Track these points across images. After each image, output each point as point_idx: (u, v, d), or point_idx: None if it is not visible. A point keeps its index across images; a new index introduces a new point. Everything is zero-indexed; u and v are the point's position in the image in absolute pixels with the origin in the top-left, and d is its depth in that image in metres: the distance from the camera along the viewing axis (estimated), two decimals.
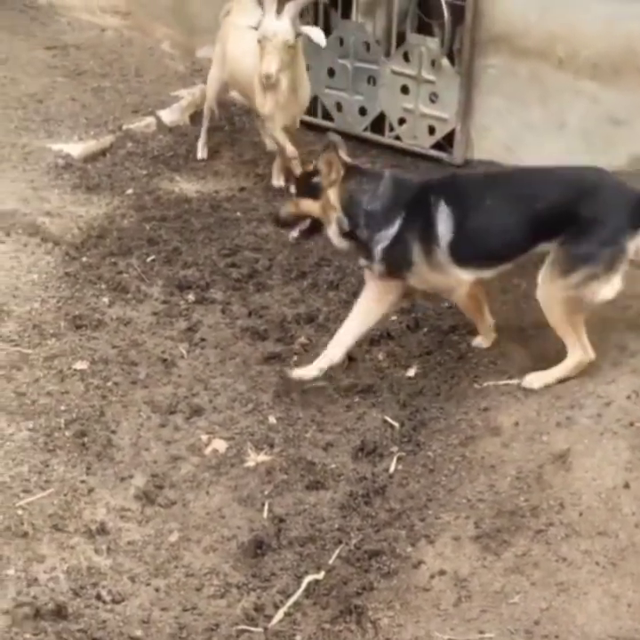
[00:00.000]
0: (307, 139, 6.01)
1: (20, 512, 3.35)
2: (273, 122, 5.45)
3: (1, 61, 6.44)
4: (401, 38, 6.07)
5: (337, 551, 3.27)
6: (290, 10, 5.08)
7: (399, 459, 3.67)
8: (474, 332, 4.36)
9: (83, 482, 3.54)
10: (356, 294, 4.69)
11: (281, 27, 5.04)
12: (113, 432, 3.80)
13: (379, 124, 6.28)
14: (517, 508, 3.21)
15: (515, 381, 3.88)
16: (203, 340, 4.42)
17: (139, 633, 3.00)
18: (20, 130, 6.06)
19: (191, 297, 4.70)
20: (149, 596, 3.14)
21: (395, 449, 3.73)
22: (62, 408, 3.87)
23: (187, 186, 5.71)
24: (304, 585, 3.15)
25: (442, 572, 3.05)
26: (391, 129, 6.25)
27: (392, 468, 3.63)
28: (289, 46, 5.07)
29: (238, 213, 5.51)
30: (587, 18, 5.30)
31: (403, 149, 6.18)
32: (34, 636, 2.90)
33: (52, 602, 3.01)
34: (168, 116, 6.27)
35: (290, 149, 5.46)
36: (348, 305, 4.64)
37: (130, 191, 5.65)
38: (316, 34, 5.22)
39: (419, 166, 5.99)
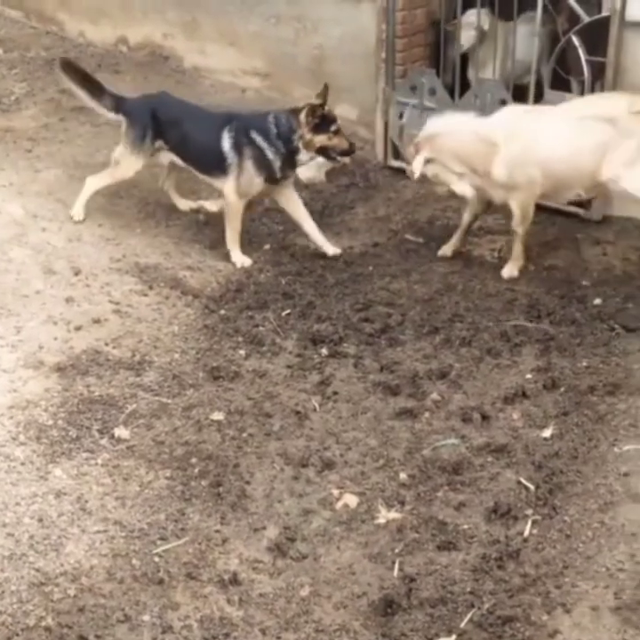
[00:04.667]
0: None
1: (156, 559, 3.45)
2: None
3: None
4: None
5: (469, 615, 3.20)
6: None
7: (534, 522, 3.58)
8: (613, 392, 4.24)
9: (217, 531, 3.60)
10: (489, 351, 4.67)
11: None
12: (247, 483, 3.86)
13: None
14: None
15: None
16: (335, 393, 4.45)
17: None
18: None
19: (324, 351, 4.76)
20: None
21: (529, 512, 3.64)
22: (199, 458, 3.97)
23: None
24: None
25: None
26: None
27: (527, 532, 3.54)
28: None
29: (371, 268, 5.57)
30: None
31: (539, 205, 6.10)
32: None
33: None
34: (305, 172, 6.39)
35: None
36: (480, 361, 4.62)
37: (267, 246, 5.81)
38: None
39: (557, 222, 5.93)
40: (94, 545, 3.50)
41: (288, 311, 5.09)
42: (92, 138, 6.97)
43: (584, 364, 4.54)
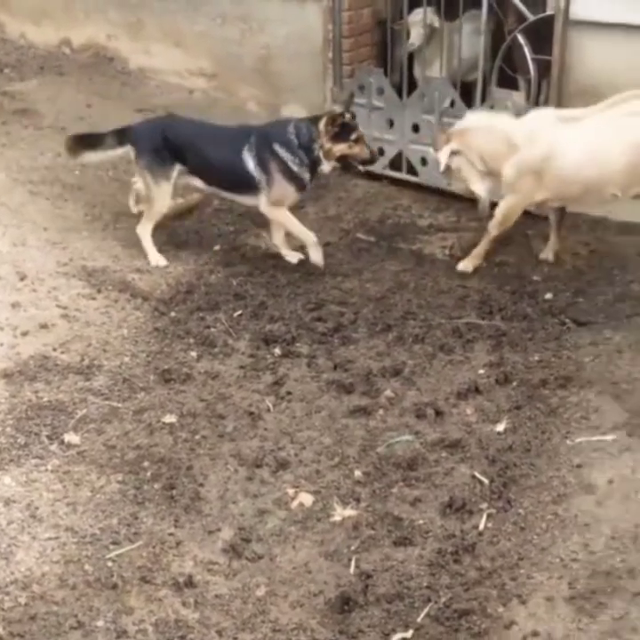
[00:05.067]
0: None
1: (109, 564, 3.39)
2: None
3: (94, 125, 6.65)
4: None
5: (426, 609, 3.20)
6: None
7: (489, 516, 3.59)
8: (565, 385, 4.28)
9: (171, 534, 3.55)
10: (442, 348, 4.68)
11: None
12: (201, 485, 3.82)
13: None
14: (613, 568, 3.11)
15: (608, 437, 3.78)
16: (289, 393, 4.43)
17: None
18: (111, 189, 6.28)
19: (277, 351, 4.73)
20: None
21: (484, 506, 3.65)
22: (151, 461, 3.92)
23: (272, 242, 5.78)
24: None
25: (535, 634, 2.96)
26: None
27: (482, 526, 3.55)
28: None
29: (322, 268, 5.55)
30: None
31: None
32: None
33: None
34: None
35: None
36: (433, 358, 4.63)
37: (217, 247, 5.77)
38: None
39: None
40: (45, 552, 3.43)
41: (240, 312, 5.05)
42: (34, 141, 6.89)
43: (536, 358, 4.57)
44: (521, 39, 5.95)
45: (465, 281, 5.35)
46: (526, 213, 5.58)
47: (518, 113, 5.55)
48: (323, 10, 6.58)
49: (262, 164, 5.31)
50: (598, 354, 4.47)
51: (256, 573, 3.42)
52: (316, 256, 5.45)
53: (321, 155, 5.31)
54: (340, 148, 5.32)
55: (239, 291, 5.25)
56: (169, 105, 7.36)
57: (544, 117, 5.14)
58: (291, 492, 3.80)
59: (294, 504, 3.74)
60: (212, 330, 4.88)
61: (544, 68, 5.89)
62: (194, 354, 4.69)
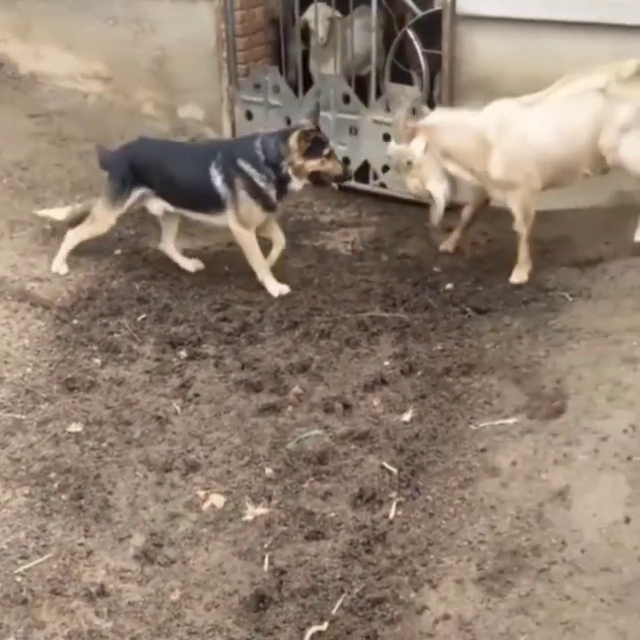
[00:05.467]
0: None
1: (18, 579, 3.32)
2: None
3: None
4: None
5: (340, 601, 3.23)
6: None
7: (398, 504, 3.64)
8: (468, 372, 4.37)
9: (81, 545, 3.51)
10: (348, 342, 4.73)
11: None
12: (109, 493, 3.78)
13: (363, 172, 6.36)
14: (519, 547, 3.18)
15: (510, 421, 3.88)
16: (196, 395, 4.41)
17: None
18: (5, 197, 6.13)
19: (183, 353, 4.71)
20: None
21: (394, 495, 3.70)
22: (58, 472, 3.85)
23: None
24: (307, 637, 3.10)
25: (446, 617, 3.01)
26: (376, 177, 6.32)
27: (392, 514, 3.60)
28: None
29: (227, 268, 5.54)
30: (560, 59, 5.39)
31: (389, 196, 6.24)
32: None
33: None
34: None
35: None
36: (340, 352, 4.67)
37: (118, 252, 5.70)
38: None
39: (408, 212, 6.06)
40: None
41: (143, 316, 5.00)
42: None
43: (439, 347, 4.65)
44: (411, 34, 6.05)
45: (368, 275, 5.42)
46: (425, 206, 5.68)
47: (412, 107, 5.65)
48: (215, 9, 6.55)
49: (228, 180, 5.12)
50: (499, 340, 4.58)
51: (169, 578, 3.40)
52: (272, 288, 5.25)
53: (290, 172, 5.09)
54: (313, 165, 5.09)
55: (142, 294, 5.20)
56: (63, 110, 7.25)
57: (506, 106, 5.04)
58: (201, 494, 3.79)
59: (206, 506, 3.73)
60: (116, 335, 4.82)
61: (436, 63, 6.00)
62: (98, 361, 4.62)
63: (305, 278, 5.44)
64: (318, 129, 5.15)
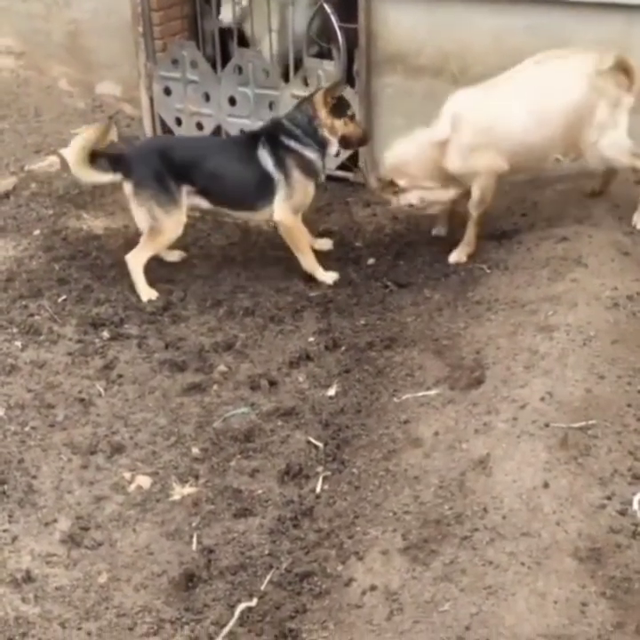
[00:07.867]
0: None
1: None
2: None
3: None
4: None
5: (268, 576, 3.27)
6: None
7: (325, 478, 3.69)
8: (390, 346, 4.42)
9: (5, 531, 3.48)
10: (272, 319, 4.74)
11: None
12: (34, 477, 3.74)
13: None
14: (442, 516, 3.25)
15: (432, 392, 3.95)
16: (120, 376, 4.38)
17: None
18: None
19: (106, 334, 4.66)
20: None
21: (320, 469, 3.75)
22: None
23: (95, 223, 5.67)
24: (237, 613, 3.13)
25: (373, 588, 3.07)
26: None
27: (318, 489, 3.64)
28: None
29: None
30: (475, 33, 5.44)
31: None
32: None
33: None
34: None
35: None
36: (264, 329, 4.68)
37: (37, 232, 5.59)
38: None
39: (327, 187, 6.05)
40: None
41: (64, 297, 4.94)
42: None
43: (362, 322, 4.70)
44: (328, 9, 6.02)
45: (291, 252, 5.41)
46: (345, 181, 5.70)
47: (328, 80, 5.65)
48: None
49: (279, 161, 4.94)
50: (419, 313, 4.65)
51: (97, 561, 3.39)
52: (325, 277, 5.11)
53: (326, 133, 4.98)
54: (340, 124, 5.01)
55: (62, 275, 5.13)
56: None
57: (462, 96, 4.86)
58: (127, 475, 3.78)
59: (132, 487, 3.72)
60: (37, 317, 4.75)
61: (354, 37, 5.99)
62: (18, 343, 4.55)
63: (228, 256, 5.43)
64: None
